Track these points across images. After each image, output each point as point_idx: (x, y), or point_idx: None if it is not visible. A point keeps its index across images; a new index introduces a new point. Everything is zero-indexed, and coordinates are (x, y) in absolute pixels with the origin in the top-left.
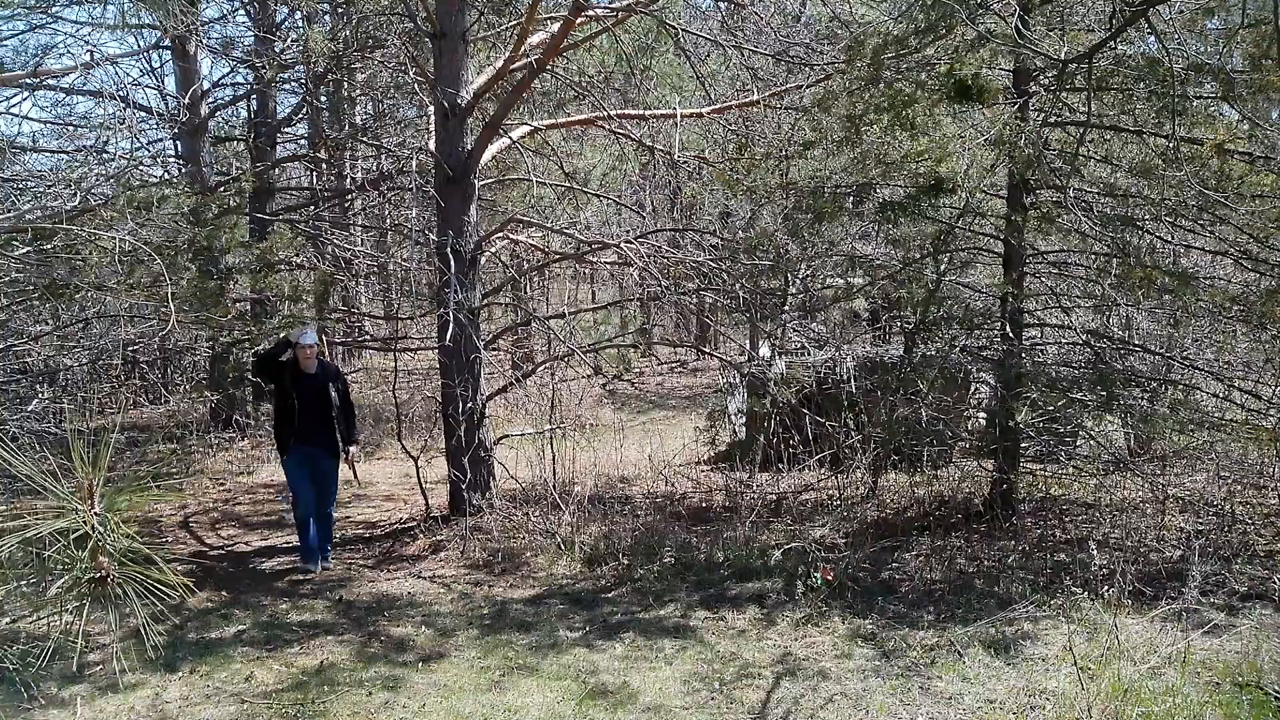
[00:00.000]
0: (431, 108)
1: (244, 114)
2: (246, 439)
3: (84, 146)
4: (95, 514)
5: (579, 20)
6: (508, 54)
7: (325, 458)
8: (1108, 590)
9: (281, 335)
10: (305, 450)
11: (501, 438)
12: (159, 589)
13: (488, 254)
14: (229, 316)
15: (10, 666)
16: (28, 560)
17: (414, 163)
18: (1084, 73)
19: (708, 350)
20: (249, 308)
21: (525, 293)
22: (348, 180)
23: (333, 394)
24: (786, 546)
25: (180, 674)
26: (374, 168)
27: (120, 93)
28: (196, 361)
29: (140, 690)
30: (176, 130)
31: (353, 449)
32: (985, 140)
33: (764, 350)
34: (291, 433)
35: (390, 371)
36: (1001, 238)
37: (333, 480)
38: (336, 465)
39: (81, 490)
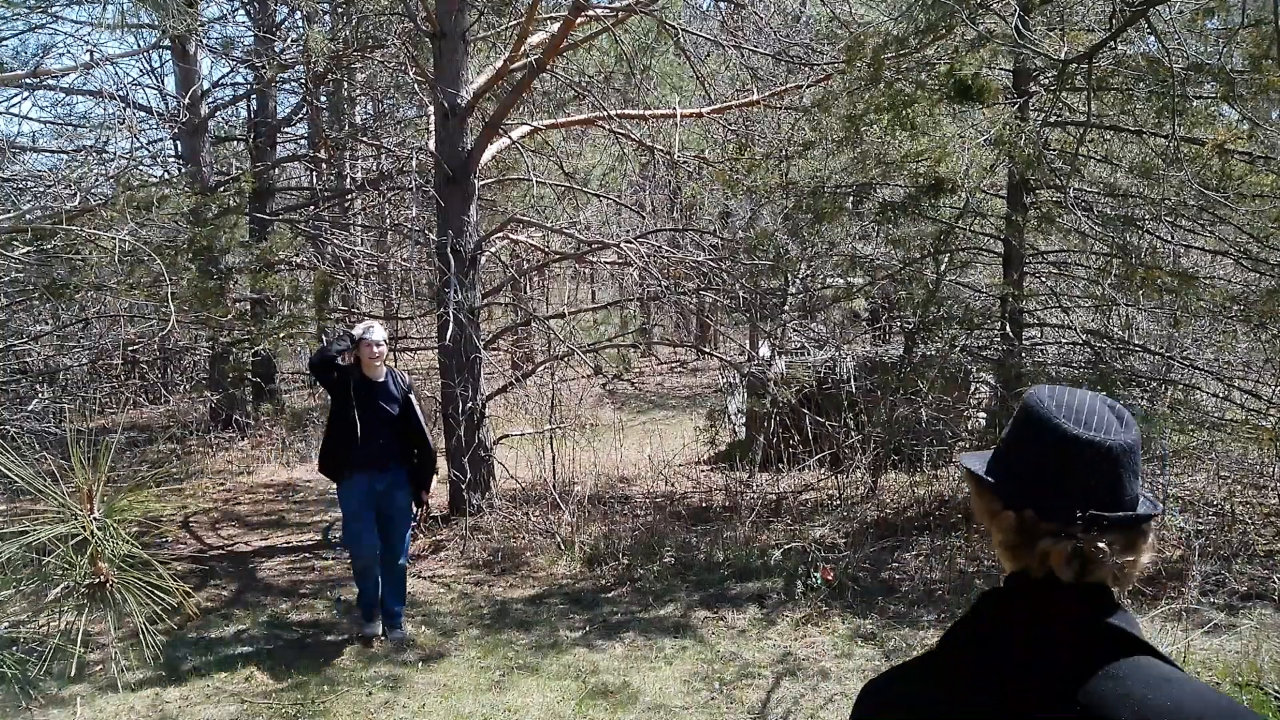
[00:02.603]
0: (431, 108)
1: (244, 114)
2: (246, 439)
3: (84, 146)
4: (94, 519)
5: (579, 20)
6: (508, 54)
7: (398, 493)
8: None
9: (340, 331)
10: (370, 480)
11: (501, 438)
12: (158, 595)
13: (488, 254)
14: (229, 316)
15: (9, 670)
16: (28, 563)
17: (414, 163)
18: (1084, 73)
19: (708, 350)
20: (249, 308)
21: (525, 293)
22: (348, 180)
23: (414, 411)
24: (786, 546)
25: (181, 674)
26: (374, 168)
27: (120, 93)
28: (196, 361)
29: (140, 690)
30: (176, 130)
31: (430, 483)
32: (985, 140)
33: (764, 350)
34: (350, 457)
35: None
36: (1001, 238)
37: (406, 522)
38: (410, 503)
39: (81, 495)
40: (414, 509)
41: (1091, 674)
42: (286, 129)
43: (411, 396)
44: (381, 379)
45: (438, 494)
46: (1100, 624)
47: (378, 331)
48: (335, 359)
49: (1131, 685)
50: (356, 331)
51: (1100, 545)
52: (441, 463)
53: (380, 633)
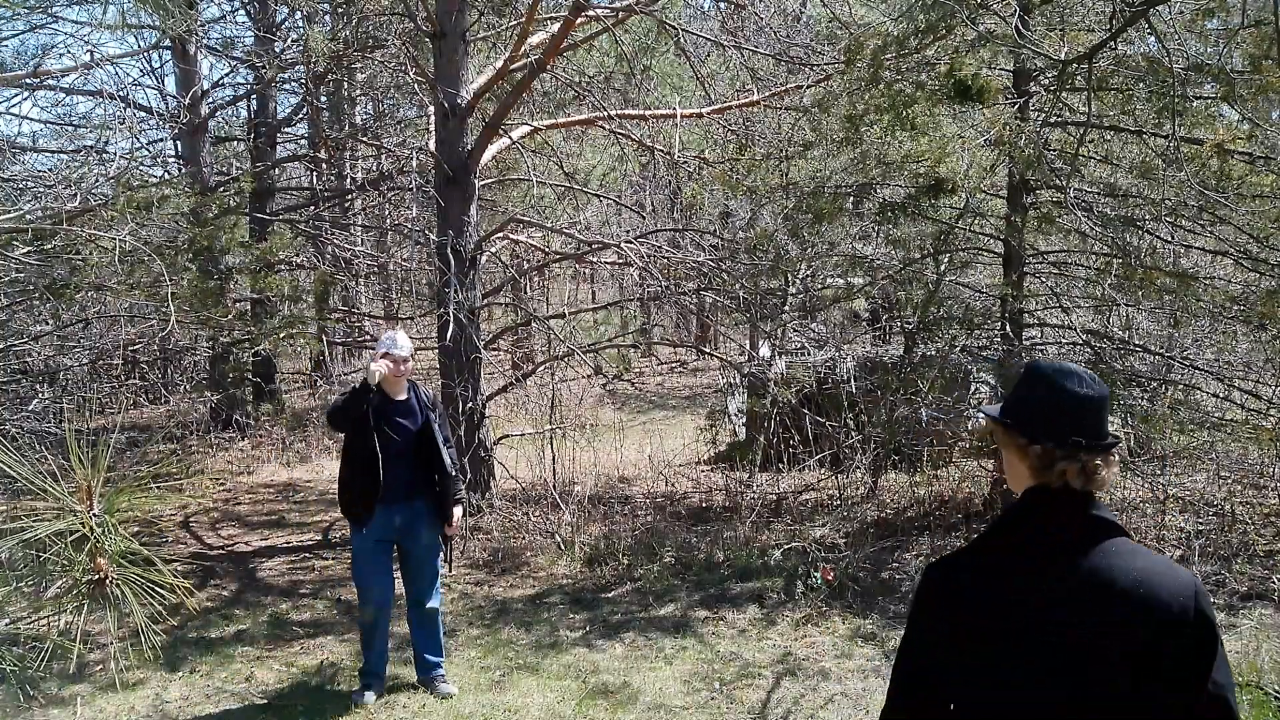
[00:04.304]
0: (431, 108)
1: (244, 114)
2: (246, 439)
3: (84, 146)
4: (94, 515)
5: (579, 20)
6: (508, 54)
7: (422, 526)
8: None
9: (362, 366)
10: (389, 514)
11: (501, 438)
12: (158, 591)
13: (488, 254)
14: (229, 316)
15: (9, 668)
16: (27, 561)
17: (414, 163)
18: (1084, 73)
19: (708, 350)
20: (249, 308)
21: (525, 293)
22: (348, 180)
23: (436, 433)
24: (786, 546)
25: (181, 674)
26: (374, 168)
27: (120, 93)
28: (196, 361)
29: (140, 690)
30: (176, 130)
31: (455, 513)
32: (985, 140)
33: (764, 350)
34: (372, 493)
35: None
36: (1001, 238)
37: (434, 558)
38: (438, 539)
39: (80, 492)
40: (442, 544)
41: (1095, 547)
42: (286, 129)
43: (433, 414)
44: (403, 396)
45: None
46: (1096, 516)
47: (405, 345)
48: (362, 401)
49: (1122, 556)
50: (382, 346)
51: (1097, 463)
52: None
53: (369, 702)
